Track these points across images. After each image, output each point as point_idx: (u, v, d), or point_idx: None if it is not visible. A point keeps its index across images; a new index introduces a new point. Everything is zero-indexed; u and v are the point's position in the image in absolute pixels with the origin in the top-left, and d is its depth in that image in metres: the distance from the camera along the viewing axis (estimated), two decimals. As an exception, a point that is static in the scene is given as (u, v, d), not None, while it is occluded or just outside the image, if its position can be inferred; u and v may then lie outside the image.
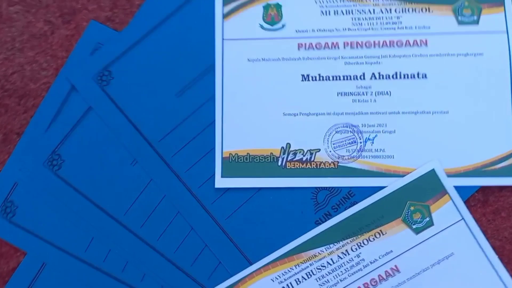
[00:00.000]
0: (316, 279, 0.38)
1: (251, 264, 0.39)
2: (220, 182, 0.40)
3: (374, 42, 0.41)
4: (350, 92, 0.41)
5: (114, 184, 0.41)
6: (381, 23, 0.41)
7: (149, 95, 0.42)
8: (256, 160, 0.40)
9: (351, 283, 0.38)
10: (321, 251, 0.38)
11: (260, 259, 0.38)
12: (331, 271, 0.38)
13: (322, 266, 0.38)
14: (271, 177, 0.40)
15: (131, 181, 0.41)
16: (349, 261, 0.38)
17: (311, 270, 0.38)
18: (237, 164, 0.40)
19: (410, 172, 0.39)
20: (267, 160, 0.40)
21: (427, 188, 0.38)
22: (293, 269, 0.38)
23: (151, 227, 0.40)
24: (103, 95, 0.42)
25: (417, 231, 0.38)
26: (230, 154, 0.40)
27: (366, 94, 0.40)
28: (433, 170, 0.39)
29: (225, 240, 0.40)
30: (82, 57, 0.43)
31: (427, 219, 0.38)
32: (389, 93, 0.40)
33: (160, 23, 0.43)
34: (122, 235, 0.40)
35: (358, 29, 0.41)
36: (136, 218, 0.41)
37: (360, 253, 0.38)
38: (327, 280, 0.38)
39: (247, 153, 0.40)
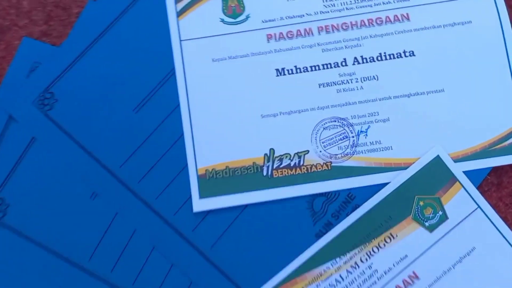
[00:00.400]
0: (326, 302, 0.32)
1: (248, 296, 0.33)
2: (199, 204, 0.34)
3: (351, 23, 0.36)
4: (333, 82, 0.36)
5: (72, 225, 0.35)
6: (355, 1, 0.37)
7: (102, 114, 0.36)
8: (238, 173, 0.35)
9: (367, 300, 0.32)
10: (327, 267, 0.33)
11: (258, 288, 0.32)
12: (342, 290, 0.33)
13: (330, 286, 0.33)
14: (257, 190, 0.34)
15: (92, 218, 0.35)
16: (360, 275, 0.33)
17: (319, 292, 0.33)
18: (216, 181, 0.34)
19: (413, 163, 0.34)
20: (250, 171, 0.35)
21: (435, 178, 0.34)
22: (298, 294, 0.33)
23: (123, 270, 0.34)
24: (47, 121, 0.36)
25: (431, 229, 0.33)
26: (206, 170, 0.35)
27: (351, 82, 0.36)
28: (437, 156, 0.34)
29: (214, 272, 0.34)
30: (18, 80, 0.37)
31: (440, 213, 0.34)
32: (376, 77, 0.36)
33: (104, 31, 0.37)
34: (90, 285, 0.33)
35: (331, 10, 0.37)
36: (105, 261, 0.34)
37: (371, 263, 0.33)
38: (339, 301, 0.32)
39: (226, 166, 0.35)
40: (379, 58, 0.36)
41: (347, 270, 0.33)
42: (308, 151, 0.35)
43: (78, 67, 0.37)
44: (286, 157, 0.35)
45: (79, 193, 0.35)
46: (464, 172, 0.34)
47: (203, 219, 0.35)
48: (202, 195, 0.35)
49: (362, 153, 0.35)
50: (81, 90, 0.37)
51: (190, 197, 0.35)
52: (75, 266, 0.35)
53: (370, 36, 0.36)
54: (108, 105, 0.36)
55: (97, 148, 0.36)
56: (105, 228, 0.35)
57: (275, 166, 0.35)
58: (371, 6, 0.37)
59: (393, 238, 0.34)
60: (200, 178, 0.35)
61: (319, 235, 0.34)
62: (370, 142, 0.35)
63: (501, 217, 0.34)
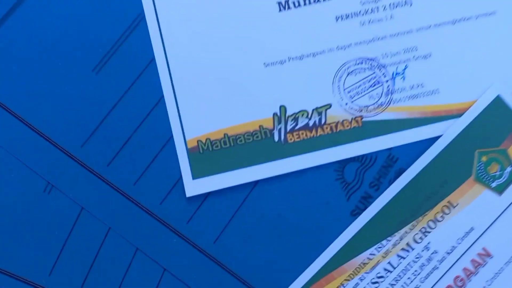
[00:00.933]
0: (375, 299, 0.24)
1: (271, 302, 0.25)
2: (193, 187, 0.26)
3: None
4: (354, 13, 0.28)
5: (23, 230, 0.25)
6: None
7: (51, 80, 0.27)
8: (240, 141, 0.26)
9: (428, 291, 0.24)
10: (371, 254, 0.25)
11: (283, 290, 0.24)
12: (394, 281, 0.25)
13: (379, 278, 0.25)
14: (268, 162, 0.27)
15: (49, 218, 0.26)
16: (416, 259, 0.25)
17: (365, 288, 0.25)
18: (213, 155, 0.26)
19: (469, 108, 0.26)
20: (257, 137, 0.26)
21: (498, 125, 0.26)
22: (336, 293, 0.24)
23: (97, 284, 0.25)
24: (-25, 95, 0.26)
25: (500, 190, 0.26)
26: (198, 141, 0.26)
27: (377, 11, 0.27)
28: (498, 97, 0.26)
29: (221, 274, 0.25)
30: None
31: (509, 169, 0.26)
32: (408, 2, 0.27)
33: (45, -31, 0.28)
34: (54, 309, 0.25)
35: None
36: (70, 275, 0.25)
37: (429, 243, 0.25)
38: (393, 296, 0.24)
39: (224, 134, 0.26)
40: (410, -23, 0.28)
41: (398, 255, 0.25)
42: (330, 105, 0.27)
43: (13, 21, 0.28)
44: (303, 115, 0.27)
45: (28, 186, 0.26)
46: (533, 114, 0.27)
47: (200, 206, 0.26)
48: (195, 175, 0.26)
49: (401, 101, 0.27)
50: (20, 50, 0.27)
51: (180, 178, 0.26)
52: (31, 285, 0.25)
53: (396, -50, 0.28)
54: (58, 67, 0.27)
55: (49, 125, 0.27)
56: (67, 231, 0.26)
57: (288, 128, 0.27)
58: None
59: (453, 207, 0.26)
60: (190, 152, 0.27)
61: (356, 213, 0.26)
62: (410, 86, 0.27)
63: None
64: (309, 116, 0.27)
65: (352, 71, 0.27)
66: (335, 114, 0.27)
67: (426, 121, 0.27)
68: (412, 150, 0.27)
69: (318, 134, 0.27)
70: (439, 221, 0.26)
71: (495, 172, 0.26)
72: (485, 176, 0.26)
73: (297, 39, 0.28)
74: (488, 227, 0.26)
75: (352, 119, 0.27)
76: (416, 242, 0.25)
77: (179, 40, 0.27)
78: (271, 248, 0.26)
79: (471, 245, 0.25)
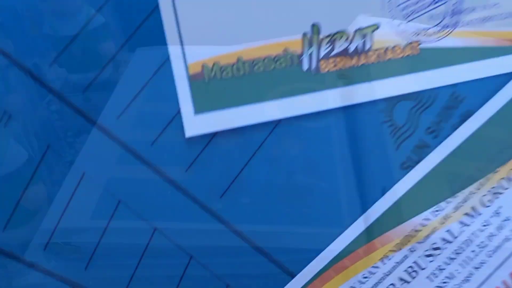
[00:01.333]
0: (428, 277, 0.19)
1: (293, 277, 0.20)
2: (194, 125, 0.21)
3: None
4: None
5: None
6: None
7: None
8: (258, 67, 0.21)
9: (497, 268, 0.19)
10: (426, 219, 0.20)
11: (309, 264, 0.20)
12: (454, 255, 0.20)
13: (434, 250, 0.20)
14: (294, 96, 0.21)
15: (6, 158, 0.19)
16: (483, 228, 0.20)
17: (416, 262, 0.20)
18: (222, 84, 0.21)
19: (558, 36, 0.20)
20: (280, 64, 0.21)
21: None
22: (378, 267, 0.19)
23: (67, 244, 0.19)
24: None
25: None
26: (203, 66, 0.21)
27: None
28: None
29: (228, 236, 0.21)
30: None
31: None
32: None
33: None
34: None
35: None
36: (29, 230, 0.19)
37: (500, 207, 0.20)
38: (451, 275, 0.19)
39: (238, 58, 0.21)
40: None
41: (460, 222, 0.20)
42: (377, 25, 0.21)
43: None
44: (341, 37, 0.21)
45: (-23, 116, 0.20)
46: None
47: (203, 150, 0.21)
48: (198, 109, 0.21)
49: (471, 24, 0.22)
50: None
51: (177, 113, 0.21)
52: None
53: None
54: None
55: (3, 35, 0.20)
56: (29, 173, 0.20)
57: (322, 53, 0.21)
58: None
59: (533, 163, 0.20)
60: (192, 80, 0.21)
61: (407, 166, 0.21)
62: (482, 5, 0.22)
63: None
64: (350, 39, 0.21)
65: (409, -18, 0.21)
66: (384, 38, 0.21)
67: (501, 51, 0.22)
68: (482, 88, 0.21)
69: (360, 63, 0.21)
70: (514, 180, 0.20)
71: None
72: None
73: None
74: None
75: (406, 44, 0.21)
76: (483, 205, 0.20)
77: None
78: (293, 207, 0.21)
79: (554, 212, 0.20)
